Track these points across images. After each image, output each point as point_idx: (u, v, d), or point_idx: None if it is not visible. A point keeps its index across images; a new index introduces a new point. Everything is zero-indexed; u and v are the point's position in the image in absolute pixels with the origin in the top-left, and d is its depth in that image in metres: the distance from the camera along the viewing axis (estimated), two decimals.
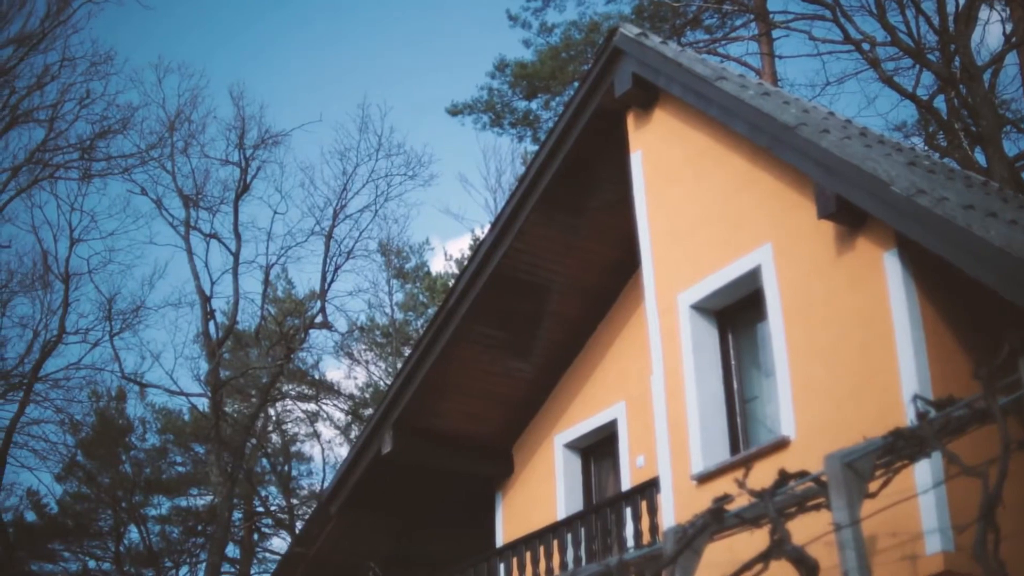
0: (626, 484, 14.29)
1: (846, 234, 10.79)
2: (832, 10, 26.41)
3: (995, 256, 8.84)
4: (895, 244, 10.30)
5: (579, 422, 15.51)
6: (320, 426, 42.95)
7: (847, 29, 26.57)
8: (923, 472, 9.21)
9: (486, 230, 15.56)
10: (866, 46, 26.71)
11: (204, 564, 35.95)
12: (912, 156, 13.79)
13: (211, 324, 33.47)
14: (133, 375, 35.06)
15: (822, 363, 10.75)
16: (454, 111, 34.94)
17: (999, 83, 27.59)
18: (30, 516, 39.97)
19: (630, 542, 12.83)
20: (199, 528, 41.09)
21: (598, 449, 15.59)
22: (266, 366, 35.18)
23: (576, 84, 23.63)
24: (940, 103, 27.20)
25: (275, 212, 41.20)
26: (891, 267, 10.32)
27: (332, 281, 34.60)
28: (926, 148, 25.37)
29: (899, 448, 7.96)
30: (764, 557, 8.34)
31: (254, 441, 37.86)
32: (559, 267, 15.13)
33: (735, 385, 12.23)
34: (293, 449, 43.15)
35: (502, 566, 14.71)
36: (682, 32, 30.43)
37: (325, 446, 48.36)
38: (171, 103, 40.54)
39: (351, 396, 41.50)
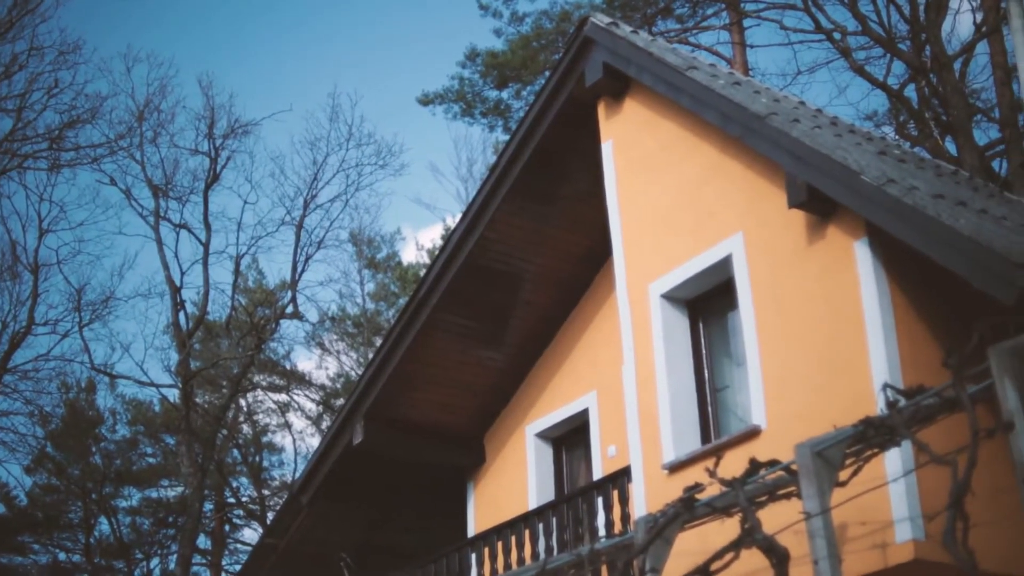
0: (597, 473, 14.28)
1: (817, 223, 10.80)
2: None
3: (964, 245, 8.86)
4: (865, 233, 10.31)
5: (551, 412, 15.49)
6: (291, 416, 42.90)
7: (818, 18, 26.70)
8: (893, 460, 9.23)
9: (457, 219, 15.51)
10: (837, 35, 26.82)
11: (175, 555, 35.82)
12: (882, 145, 13.82)
13: (181, 315, 33.40)
14: (103, 366, 34.97)
15: (793, 352, 10.76)
16: (425, 100, 34.82)
17: (969, 72, 27.72)
18: None
19: (602, 531, 12.82)
20: (170, 519, 40.97)
21: (570, 439, 15.58)
22: (237, 356, 35.08)
23: (547, 73, 23.59)
24: (911, 92, 27.33)
25: (245, 202, 41.20)
26: (861, 256, 10.33)
27: (303, 271, 34.60)
28: (896, 137, 25.45)
29: (869, 437, 7.99)
30: (735, 546, 8.35)
31: (225, 432, 37.77)
32: (530, 256, 15.10)
33: (706, 374, 12.23)
34: (264, 440, 43.07)
35: (474, 556, 14.69)
36: (653, 21, 30.41)
37: (296, 436, 48.37)
38: (140, 93, 40.47)
39: (322, 386, 41.45)
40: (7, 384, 32.86)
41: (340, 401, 37.67)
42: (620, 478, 12.76)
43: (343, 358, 41.37)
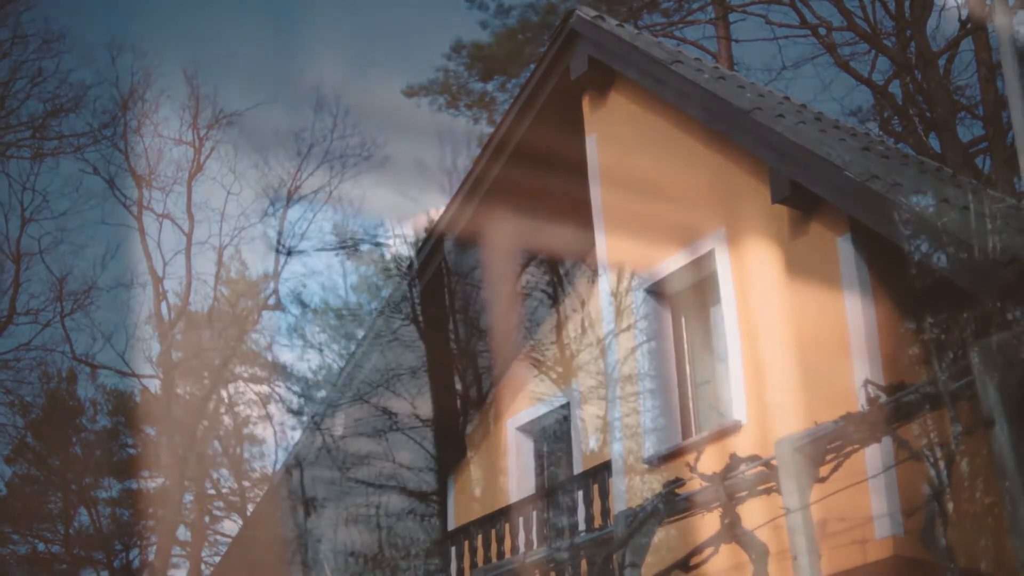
0: (578, 468, 14.26)
1: (800, 219, 10.78)
2: None
3: (947, 242, 8.85)
4: (848, 229, 10.30)
5: (532, 406, 15.46)
6: (273, 408, 42.73)
7: (804, 13, 26.68)
8: (873, 457, 9.22)
9: (441, 212, 15.47)
10: (822, 30, 26.82)
11: (154, 547, 35.71)
12: (866, 141, 13.81)
13: (163, 305, 33.29)
14: (84, 356, 34.81)
15: (774, 348, 10.75)
16: (409, 92, 34.69)
17: (954, 69, 27.69)
18: None
19: (582, 526, 12.80)
20: (150, 510, 40.80)
21: (551, 433, 15.56)
22: (218, 348, 34.94)
23: (533, 66, 23.56)
24: (895, 88, 27.32)
25: (229, 192, 40.71)
26: (844, 252, 10.32)
27: (286, 263, 34.45)
28: (881, 133, 25.43)
29: (849, 433, 7.98)
30: (715, 541, 8.35)
31: (206, 423, 37.63)
32: (513, 250, 15.06)
33: (687, 369, 12.22)
34: (245, 431, 42.88)
35: (453, 549, 14.66)
36: (639, 15, 30.35)
37: (277, 428, 48.13)
38: (124, 82, 40.10)
39: (304, 378, 41.27)
40: None
41: (322, 393, 37.57)
42: (601, 472, 12.74)
43: (325, 350, 41.24)
